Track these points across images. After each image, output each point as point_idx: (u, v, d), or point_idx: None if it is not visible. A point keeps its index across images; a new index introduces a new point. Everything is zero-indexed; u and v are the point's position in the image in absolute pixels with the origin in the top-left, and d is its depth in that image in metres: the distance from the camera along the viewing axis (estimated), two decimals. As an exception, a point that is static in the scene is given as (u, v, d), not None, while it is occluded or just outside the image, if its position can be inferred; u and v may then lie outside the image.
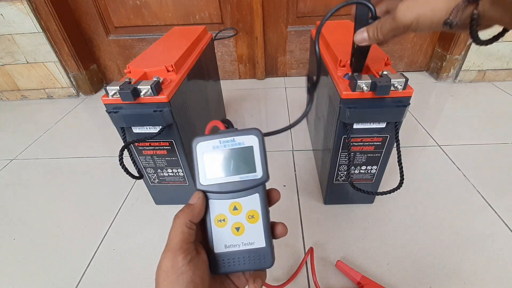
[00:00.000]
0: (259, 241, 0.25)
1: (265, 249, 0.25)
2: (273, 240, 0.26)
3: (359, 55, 0.41)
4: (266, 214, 0.25)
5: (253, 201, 0.25)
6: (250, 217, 0.25)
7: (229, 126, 0.27)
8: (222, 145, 0.24)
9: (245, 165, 0.24)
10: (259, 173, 0.24)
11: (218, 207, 0.25)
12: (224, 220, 0.25)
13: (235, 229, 0.25)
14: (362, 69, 0.43)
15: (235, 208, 0.25)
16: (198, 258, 0.23)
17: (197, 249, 0.24)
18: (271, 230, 0.25)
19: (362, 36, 0.33)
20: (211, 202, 0.25)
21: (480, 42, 0.27)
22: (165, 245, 0.23)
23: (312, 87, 0.36)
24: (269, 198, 0.26)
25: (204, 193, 0.25)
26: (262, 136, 0.24)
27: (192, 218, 0.23)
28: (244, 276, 0.26)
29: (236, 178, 0.24)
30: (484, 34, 0.26)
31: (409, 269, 0.49)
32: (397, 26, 0.28)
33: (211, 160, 0.24)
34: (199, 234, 0.25)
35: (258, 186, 0.25)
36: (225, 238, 0.25)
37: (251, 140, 0.24)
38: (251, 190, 0.25)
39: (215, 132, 0.25)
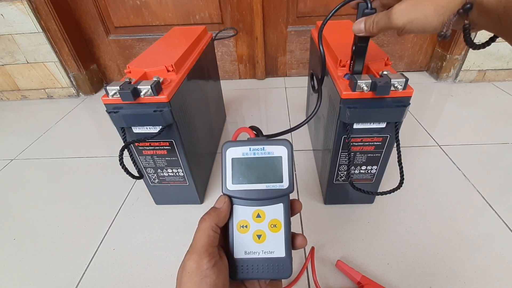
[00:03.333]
0: (279, 251, 0.25)
1: (285, 259, 0.25)
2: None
3: (358, 54, 0.41)
4: (288, 224, 0.25)
5: (277, 211, 0.25)
6: (272, 226, 0.25)
7: (258, 134, 0.27)
8: (252, 153, 0.25)
9: (273, 175, 0.25)
10: (285, 184, 0.25)
11: (242, 213, 0.25)
12: (246, 226, 0.25)
13: (257, 236, 0.25)
14: (362, 71, 0.43)
15: (258, 216, 0.25)
16: (221, 262, 0.23)
17: (219, 253, 0.24)
18: (291, 240, 0.26)
19: (359, 26, 0.34)
20: (235, 207, 0.25)
21: (474, 46, 0.27)
22: (189, 246, 0.23)
23: (319, 84, 0.37)
24: (291, 209, 0.26)
25: (230, 198, 0.25)
26: (292, 148, 0.25)
27: (218, 222, 0.24)
28: (259, 284, 0.26)
29: (263, 186, 0.25)
30: (481, 36, 0.26)
31: (409, 269, 0.49)
32: (390, 25, 0.29)
33: (239, 166, 0.25)
34: (221, 238, 0.25)
35: (284, 196, 0.25)
36: (246, 245, 0.25)
37: (281, 151, 0.25)
38: (276, 200, 0.25)
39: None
